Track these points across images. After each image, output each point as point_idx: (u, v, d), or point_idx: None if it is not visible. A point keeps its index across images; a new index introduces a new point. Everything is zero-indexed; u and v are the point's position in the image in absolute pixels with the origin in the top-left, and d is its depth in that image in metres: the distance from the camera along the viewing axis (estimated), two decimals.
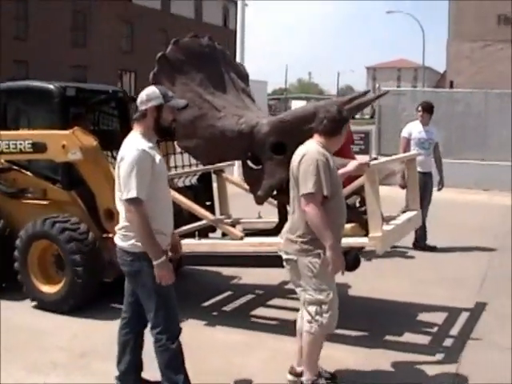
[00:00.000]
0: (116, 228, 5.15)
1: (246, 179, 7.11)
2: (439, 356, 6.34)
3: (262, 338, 6.74)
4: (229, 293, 8.13)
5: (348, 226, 6.08)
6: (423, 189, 9.33)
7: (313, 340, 5.33)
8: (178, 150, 7.86)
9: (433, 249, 10.74)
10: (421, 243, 10.72)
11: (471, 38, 38.24)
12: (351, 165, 5.80)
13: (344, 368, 5.89)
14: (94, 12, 46.90)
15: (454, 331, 7.02)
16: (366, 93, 6.70)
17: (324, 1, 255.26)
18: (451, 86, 36.94)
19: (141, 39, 51.33)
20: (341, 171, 5.59)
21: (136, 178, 4.75)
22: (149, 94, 5.04)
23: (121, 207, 5.00)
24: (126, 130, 8.11)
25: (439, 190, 10.79)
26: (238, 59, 20.13)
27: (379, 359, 6.14)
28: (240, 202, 8.48)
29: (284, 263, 5.44)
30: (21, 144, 7.56)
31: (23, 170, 8.05)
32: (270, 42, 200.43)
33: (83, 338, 6.78)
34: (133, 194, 4.75)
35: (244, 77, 7.75)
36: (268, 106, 73.73)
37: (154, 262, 4.80)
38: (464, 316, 7.47)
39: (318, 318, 5.25)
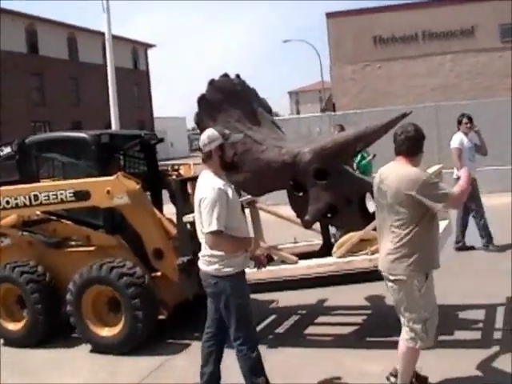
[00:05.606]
0: (200, 255, 5.42)
1: (293, 206, 6.99)
2: (495, 348, 6.32)
3: (325, 353, 6.68)
4: (274, 316, 7.92)
5: None
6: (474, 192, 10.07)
7: (414, 354, 5.26)
8: None
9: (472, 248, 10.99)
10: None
11: (351, 61, 39.17)
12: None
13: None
14: (3, 67, 44.77)
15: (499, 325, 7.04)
16: (404, 115, 6.54)
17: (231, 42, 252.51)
18: (334, 109, 37.68)
19: (51, 90, 49.59)
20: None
21: (215, 214, 5.03)
22: (210, 136, 5.29)
23: (202, 238, 5.28)
24: (154, 170, 7.94)
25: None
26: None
27: (444, 358, 6.06)
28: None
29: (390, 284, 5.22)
30: (61, 194, 7.12)
31: (62, 220, 7.52)
32: (186, 79, 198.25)
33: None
34: (213, 227, 5.03)
35: (269, 110, 7.62)
36: (189, 140, 73.32)
37: (251, 247, 5.34)
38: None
39: (423, 335, 5.15)
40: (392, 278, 5.15)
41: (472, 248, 10.91)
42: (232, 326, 5.31)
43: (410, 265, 5.03)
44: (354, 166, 10.83)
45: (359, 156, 10.73)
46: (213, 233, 5.05)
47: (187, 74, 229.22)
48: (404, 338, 5.23)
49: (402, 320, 5.23)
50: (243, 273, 5.40)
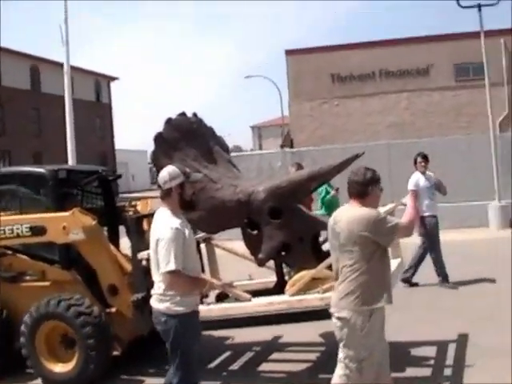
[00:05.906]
0: (152, 291, 5.37)
1: (247, 243, 7.01)
2: None
3: None
4: (229, 353, 7.86)
5: None
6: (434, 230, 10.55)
7: None
8: None
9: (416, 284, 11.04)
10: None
11: (309, 97, 39.43)
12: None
13: None
14: None
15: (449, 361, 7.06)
16: (357, 156, 6.64)
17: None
18: (292, 145, 37.87)
19: (13, 120, 48.94)
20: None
21: (173, 254, 4.99)
22: (171, 174, 5.23)
23: (157, 277, 5.23)
24: (112, 206, 7.92)
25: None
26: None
27: None
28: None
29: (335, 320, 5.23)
30: (18, 228, 7.07)
31: (18, 254, 7.44)
32: (148, 112, 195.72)
33: None
34: (171, 267, 4.99)
35: (226, 149, 7.67)
36: (151, 173, 72.55)
37: (206, 288, 5.38)
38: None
39: (356, 373, 5.11)
40: (337, 315, 5.17)
41: (416, 284, 10.97)
42: (174, 365, 5.22)
43: (356, 301, 5.04)
44: (319, 201, 10.80)
45: (324, 191, 10.68)
46: (170, 272, 4.99)
47: (150, 108, 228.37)
48: (338, 373, 5.21)
49: (340, 355, 5.20)
50: (195, 313, 5.31)
